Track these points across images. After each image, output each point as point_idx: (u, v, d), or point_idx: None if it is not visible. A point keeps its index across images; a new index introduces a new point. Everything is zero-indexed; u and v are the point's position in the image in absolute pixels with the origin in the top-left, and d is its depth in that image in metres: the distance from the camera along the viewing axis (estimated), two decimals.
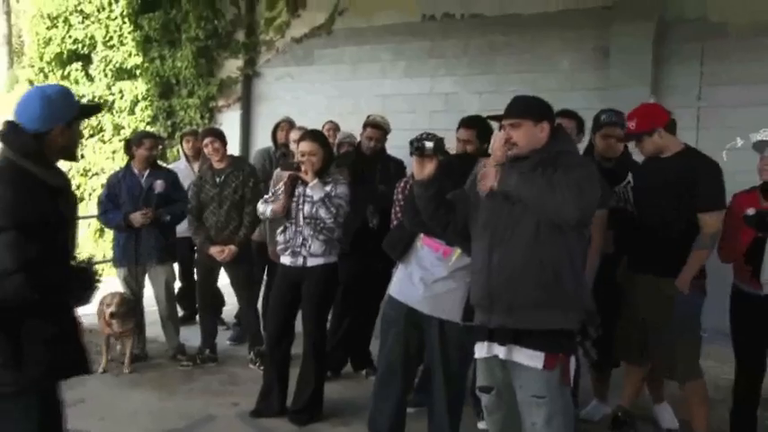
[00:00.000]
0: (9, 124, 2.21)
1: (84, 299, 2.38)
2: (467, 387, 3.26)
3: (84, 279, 2.37)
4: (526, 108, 2.57)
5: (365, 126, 4.60)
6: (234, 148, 7.67)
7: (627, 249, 3.58)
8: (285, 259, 3.85)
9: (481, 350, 2.59)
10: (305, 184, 3.74)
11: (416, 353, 3.16)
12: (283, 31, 7.92)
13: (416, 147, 2.54)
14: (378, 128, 4.56)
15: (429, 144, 2.53)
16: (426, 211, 2.68)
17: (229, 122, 8.24)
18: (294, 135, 4.65)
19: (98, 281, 2.41)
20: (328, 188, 3.73)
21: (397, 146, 4.39)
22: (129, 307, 4.67)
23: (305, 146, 3.74)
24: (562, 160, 2.50)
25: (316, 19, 7.69)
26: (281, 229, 3.84)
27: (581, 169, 2.48)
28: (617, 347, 3.62)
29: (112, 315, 4.54)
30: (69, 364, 2.35)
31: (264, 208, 3.91)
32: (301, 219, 3.75)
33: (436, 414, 3.10)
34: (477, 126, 3.70)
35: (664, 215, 3.32)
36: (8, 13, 14.33)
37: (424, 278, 3.00)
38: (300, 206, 3.76)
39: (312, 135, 3.83)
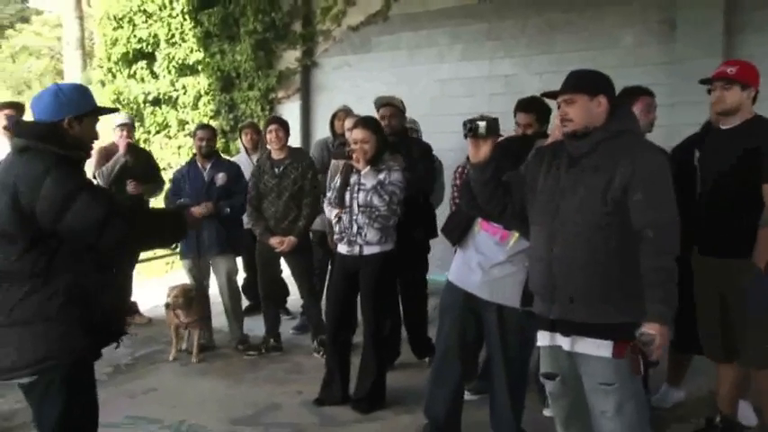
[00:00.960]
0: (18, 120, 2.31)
1: (178, 237, 2.63)
2: (529, 373, 3.18)
3: (177, 218, 2.52)
4: (580, 82, 2.43)
5: (376, 108, 4.48)
6: (294, 139, 7.70)
7: (695, 230, 3.21)
8: (342, 248, 3.86)
9: (543, 339, 2.51)
10: (359, 172, 3.72)
11: (474, 339, 3.11)
12: (340, 20, 7.91)
13: (469, 128, 2.46)
14: (390, 106, 4.44)
15: (482, 124, 2.45)
16: (482, 195, 2.60)
17: (289, 114, 8.27)
18: (348, 123, 4.64)
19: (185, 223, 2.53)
20: (382, 176, 3.71)
21: (455, 131, 4.30)
22: (190, 297, 4.78)
23: (357, 133, 3.73)
24: (625, 142, 2.35)
25: (371, 6, 7.63)
26: (335, 218, 3.85)
27: (656, 177, 2.31)
28: (703, 346, 3.32)
29: (173, 306, 4.68)
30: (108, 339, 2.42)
31: (330, 212, 3.92)
32: (356, 207, 3.74)
33: (497, 401, 3.05)
34: (534, 108, 3.64)
35: (733, 190, 3.08)
36: (80, 18, 14.81)
37: (482, 263, 2.95)
38: (355, 195, 3.75)
39: (364, 122, 3.81)
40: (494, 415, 3.09)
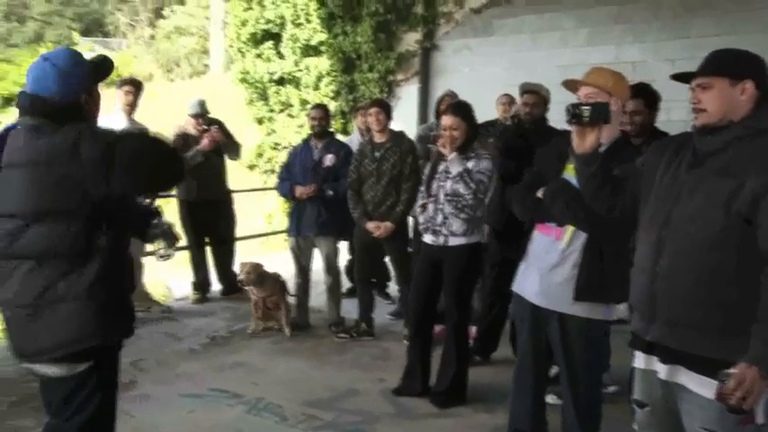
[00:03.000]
0: (30, 96, 2.13)
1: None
2: (599, 385, 2.93)
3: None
4: (722, 63, 2.00)
5: (520, 94, 4.33)
6: (412, 122, 7.70)
7: None
8: (426, 238, 3.75)
9: (639, 360, 2.19)
10: (446, 159, 3.59)
11: (547, 348, 2.90)
12: (462, 2, 7.75)
13: (573, 113, 2.20)
14: (534, 93, 4.25)
15: (586, 110, 2.18)
16: (587, 190, 2.34)
17: (407, 96, 8.29)
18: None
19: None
20: (470, 164, 3.56)
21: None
22: (260, 273, 4.90)
23: (447, 120, 3.59)
24: (766, 145, 1.91)
25: None
26: (420, 207, 3.73)
27: None
28: None
29: (246, 281, 4.86)
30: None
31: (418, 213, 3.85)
32: (442, 196, 3.62)
33: (565, 414, 2.83)
34: (642, 94, 3.35)
35: None
36: (227, 0, 15.55)
37: (540, 268, 2.74)
38: (442, 183, 3.62)
39: (454, 109, 3.67)
40: (563, 429, 2.88)
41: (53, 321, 2.08)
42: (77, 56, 2.20)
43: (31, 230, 2.05)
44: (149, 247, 3.48)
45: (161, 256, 2.48)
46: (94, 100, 2.22)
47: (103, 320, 2.13)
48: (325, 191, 4.96)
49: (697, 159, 2.03)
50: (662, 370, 2.06)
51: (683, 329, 1.97)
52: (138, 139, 2.15)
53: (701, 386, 1.95)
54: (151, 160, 2.11)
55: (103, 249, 2.10)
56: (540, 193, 2.73)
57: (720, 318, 1.91)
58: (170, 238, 2.46)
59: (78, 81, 2.15)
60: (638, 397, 2.24)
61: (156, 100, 14.13)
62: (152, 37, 24.32)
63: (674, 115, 5.23)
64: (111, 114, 5.16)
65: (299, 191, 4.96)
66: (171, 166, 2.20)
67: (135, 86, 5.18)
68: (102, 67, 2.26)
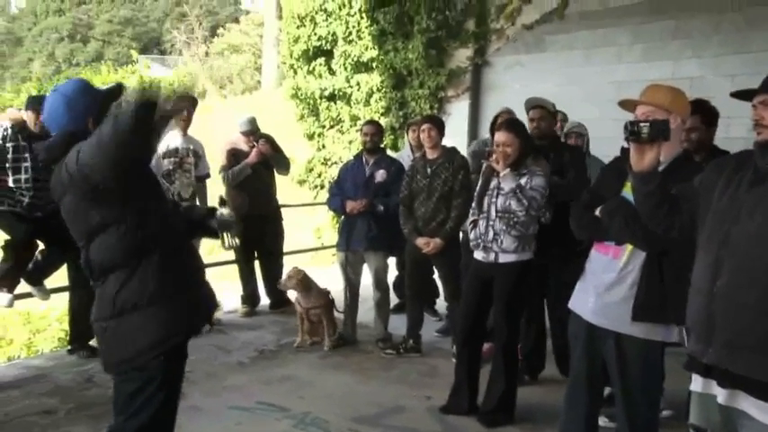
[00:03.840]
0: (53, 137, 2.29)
1: None
2: (656, 409, 2.82)
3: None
4: None
5: (526, 110, 4.30)
6: (462, 139, 7.68)
7: None
8: (477, 255, 3.71)
9: (696, 384, 2.10)
10: (498, 175, 3.55)
11: (602, 368, 2.82)
12: (514, 18, 7.71)
13: (631, 130, 2.15)
14: (540, 108, 4.21)
15: (645, 127, 2.13)
16: (644, 209, 2.28)
17: (458, 112, 8.27)
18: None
19: None
20: (523, 180, 3.52)
21: None
22: (301, 280, 4.94)
23: (500, 136, 3.56)
24: None
25: (547, 4, 7.35)
26: (471, 224, 3.70)
27: None
28: None
29: (285, 284, 5.00)
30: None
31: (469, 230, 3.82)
32: (493, 212, 3.58)
33: None
34: (699, 110, 3.27)
35: None
36: (280, 18, 15.82)
37: (597, 287, 2.67)
38: (494, 199, 3.59)
39: (508, 125, 3.63)
40: None
41: (128, 331, 2.21)
42: (85, 85, 2.37)
43: (91, 250, 2.23)
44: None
45: (228, 247, 2.60)
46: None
47: (172, 321, 2.25)
48: (375, 206, 4.96)
49: (758, 177, 1.96)
50: (720, 394, 1.97)
51: (742, 352, 1.89)
52: (96, 135, 2.11)
53: (763, 412, 1.86)
54: (106, 147, 2.04)
55: (154, 254, 2.21)
56: (598, 212, 2.68)
57: None
58: (230, 227, 2.56)
59: (86, 107, 2.29)
60: (695, 422, 2.14)
61: (210, 114, 14.43)
62: (206, 54, 24.90)
63: (734, 132, 5.10)
64: (166, 130, 5.27)
65: (350, 205, 4.97)
66: (125, 144, 2.04)
67: (190, 102, 5.28)
68: (114, 92, 2.37)
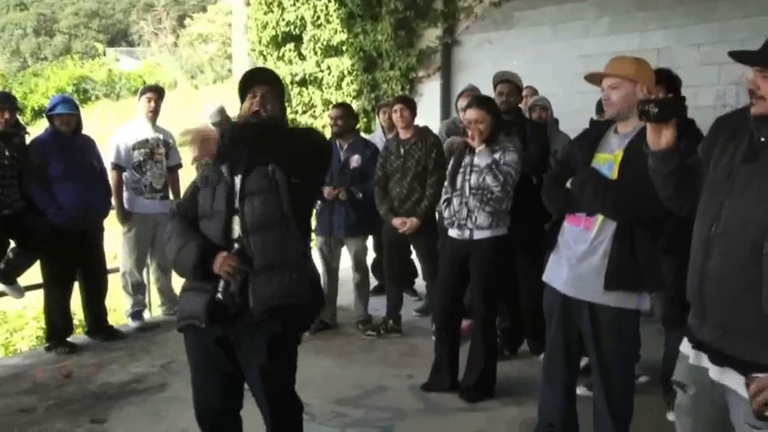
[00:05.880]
0: None
1: None
2: (631, 376, 2.87)
3: None
4: None
5: (494, 85, 4.36)
6: (435, 118, 7.66)
7: None
8: (452, 232, 3.73)
9: (687, 348, 2.03)
10: (472, 152, 3.56)
11: (578, 339, 2.85)
12: None
13: (642, 110, 2.04)
14: (508, 82, 4.27)
15: (652, 107, 2.02)
16: (665, 190, 2.12)
17: (429, 93, 8.24)
18: (461, 103, 4.47)
19: None
20: (497, 155, 3.53)
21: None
22: None
23: (471, 113, 3.56)
24: None
25: None
26: (444, 202, 3.71)
27: None
28: None
29: None
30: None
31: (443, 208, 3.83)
32: (467, 189, 3.59)
33: (597, 407, 2.78)
34: (662, 79, 3.28)
35: None
36: (248, 5, 15.63)
37: (570, 258, 2.70)
38: (467, 177, 3.60)
39: (478, 102, 3.64)
40: (594, 421, 2.83)
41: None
42: None
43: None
44: None
45: None
46: None
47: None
48: (354, 193, 4.94)
49: (752, 151, 1.85)
50: (713, 370, 1.93)
51: (735, 336, 1.84)
52: None
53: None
54: None
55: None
56: (568, 184, 2.70)
57: None
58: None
59: None
60: (680, 379, 2.08)
61: (180, 107, 14.28)
62: (175, 44, 24.62)
63: (702, 101, 5.15)
64: (135, 121, 5.22)
65: (327, 192, 4.94)
66: None
67: (156, 93, 5.23)
68: None
